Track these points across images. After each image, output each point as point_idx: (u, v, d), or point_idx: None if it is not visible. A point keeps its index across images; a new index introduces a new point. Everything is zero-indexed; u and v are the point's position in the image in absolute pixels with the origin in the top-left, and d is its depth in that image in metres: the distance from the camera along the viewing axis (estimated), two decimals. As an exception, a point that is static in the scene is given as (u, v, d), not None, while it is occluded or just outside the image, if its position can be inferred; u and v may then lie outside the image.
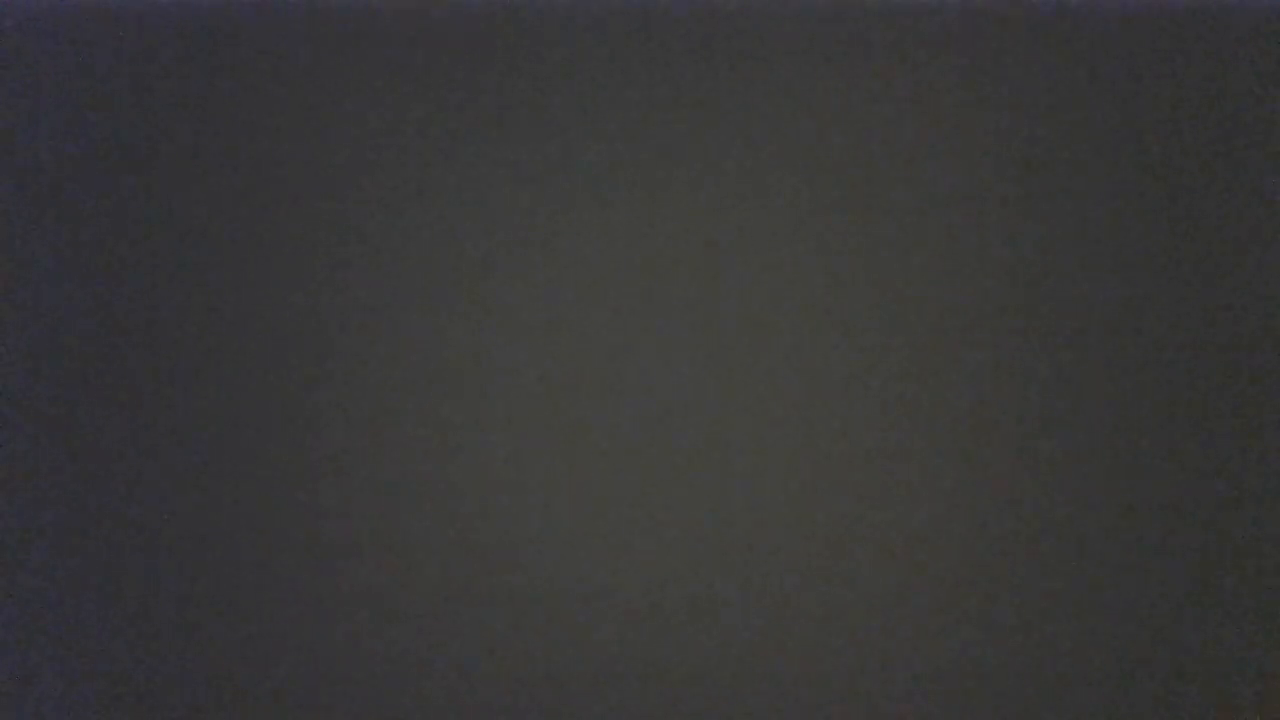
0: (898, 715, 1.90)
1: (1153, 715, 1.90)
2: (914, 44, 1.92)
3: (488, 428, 1.91)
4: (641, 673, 1.90)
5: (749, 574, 1.90)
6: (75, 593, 1.91)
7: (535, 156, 1.92)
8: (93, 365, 1.92)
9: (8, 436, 1.92)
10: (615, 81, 1.92)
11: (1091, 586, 1.90)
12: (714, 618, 1.90)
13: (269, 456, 1.91)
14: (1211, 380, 1.91)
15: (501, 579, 1.91)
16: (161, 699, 1.92)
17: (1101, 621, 1.90)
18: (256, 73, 1.93)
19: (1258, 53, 1.91)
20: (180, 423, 1.91)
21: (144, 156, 1.93)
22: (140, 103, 1.93)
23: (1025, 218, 1.92)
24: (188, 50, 1.92)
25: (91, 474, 1.91)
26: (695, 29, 1.92)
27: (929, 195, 1.91)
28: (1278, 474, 1.90)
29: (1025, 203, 1.92)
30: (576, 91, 1.92)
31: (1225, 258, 1.91)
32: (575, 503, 1.91)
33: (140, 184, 1.93)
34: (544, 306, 1.92)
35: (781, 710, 1.90)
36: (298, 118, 1.93)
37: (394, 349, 1.91)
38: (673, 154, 1.92)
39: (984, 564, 1.90)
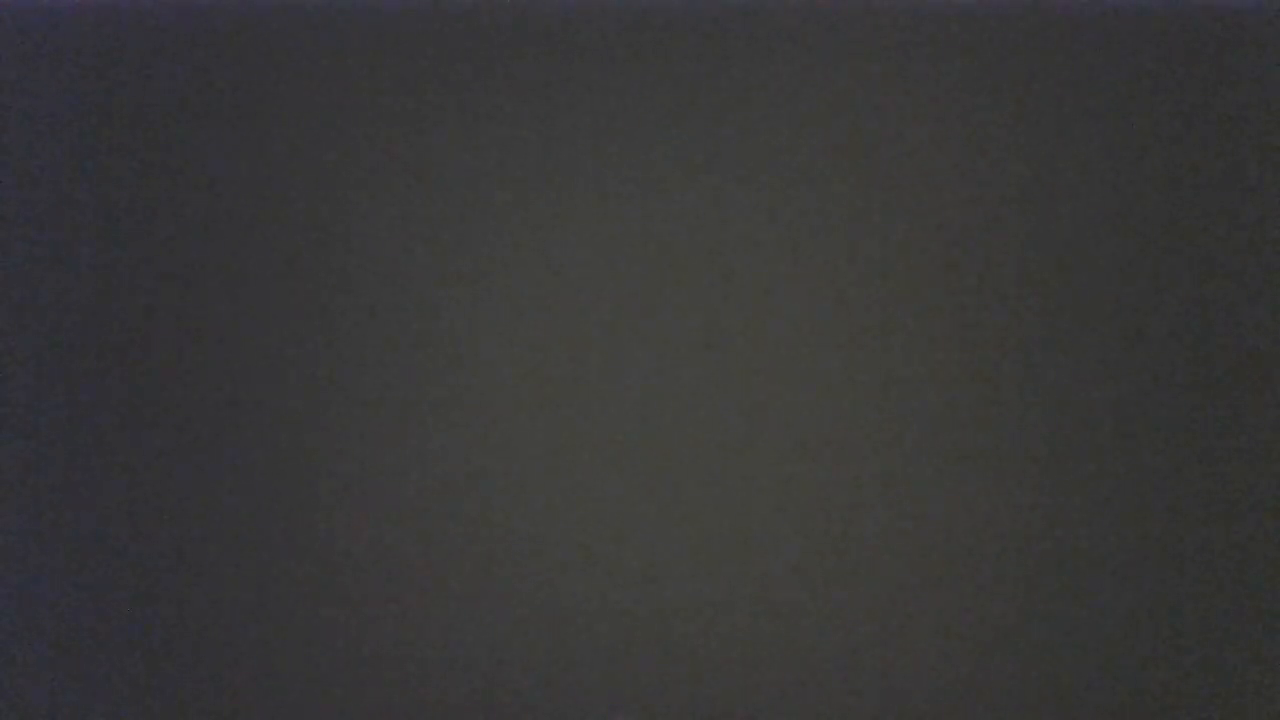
0: (898, 715, 1.90)
1: (1153, 715, 1.90)
2: (914, 44, 1.92)
3: (487, 427, 1.91)
4: (641, 672, 1.90)
5: (748, 574, 1.90)
6: (75, 593, 1.91)
7: (535, 156, 1.92)
8: (93, 365, 1.92)
9: (8, 436, 1.92)
10: (615, 81, 1.92)
11: (1092, 587, 1.90)
12: (714, 618, 1.90)
13: (269, 457, 1.91)
14: (1211, 380, 1.91)
15: (501, 579, 1.91)
16: (162, 699, 1.92)
17: (1102, 622, 1.90)
18: (256, 73, 1.93)
19: (1258, 53, 1.91)
20: (180, 423, 1.91)
21: (144, 156, 1.93)
22: (140, 103, 1.93)
23: (1025, 218, 1.92)
24: (188, 50, 1.92)
25: (92, 474, 1.91)
26: (695, 29, 1.92)
27: (929, 195, 1.92)
28: (1278, 474, 1.90)
29: (1025, 203, 1.92)
30: (577, 91, 1.92)
31: (1225, 258, 1.91)
32: (575, 502, 1.91)
33: (140, 184, 1.93)
34: (544, 306, 1.92)
35: (782, 710, 1.90)
36: (298, 118, 1.93)
37: (394, 349, 1.91)
38: (673, 154, 1.92)
39: (984, 564, 1.90)
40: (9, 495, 1.92)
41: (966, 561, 1.90)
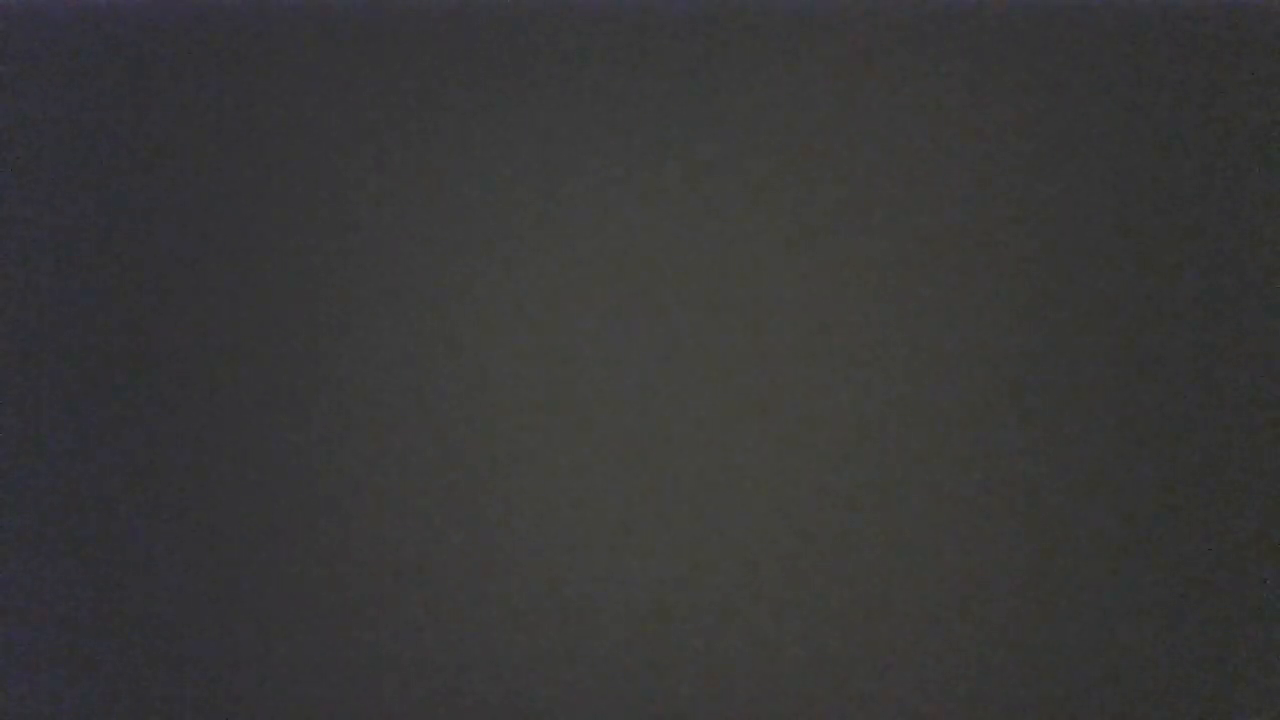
0: (897, 715, 1.90)
1: (1153, 715, 1.90)
2: (914, 44, 1.92)
3: (487, 428, 1.91)
4: (640, 673, 1.90)
5: (748, 574, 1.90)
6: (75, 593, 1.92)
7: (535, 156, 1.92)
8: (93, 365, 1.92)
9: (8, 436, 1.92)
10: (615, 81, 1.92)
11: (1091, 587, 1.90)
12: (714, 618, 1.90)
13: (269, 457, 1.91)
14: (1212, 380, 1.91)
15: (501, 580, 1.91)
16: (162, 699, 1.92)
17: (1101, 622, 1.90)
18: (256, 73, 1.93)
19: (1258, 53, 1.91)
20: (180, 423, 1.91)
21: (144, 156, 1.93)
22: (140, 103, 1.93)
23: (1025, 218, 1.92)
24: (188, 50, 1.92)
25: (92, 474, 1.91)
26: (695, 29, 1.92)
27: (929, 196, 1.92)
28: (1278, 474, 1.90)
29: (1025, 203, 1.92)
30: (576, 91, 1.92)
31: (1225, 258, 1.91)
32: (576, 502, 1.91)
33: (140, 184, 1.93)
34: (544, 306, 1.92)
35: (782, 710, 1.90)
36: (298, 118, 1.93)
37: (394, 349, 1.91)
38: (673, 154, 1.92)
39: (984, 565, 1.90)
40: (9, 495, 1.92)
41: (966, 561, 1.90)
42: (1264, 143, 1.91)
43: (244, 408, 1.91)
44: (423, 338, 1.92)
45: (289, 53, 1.92)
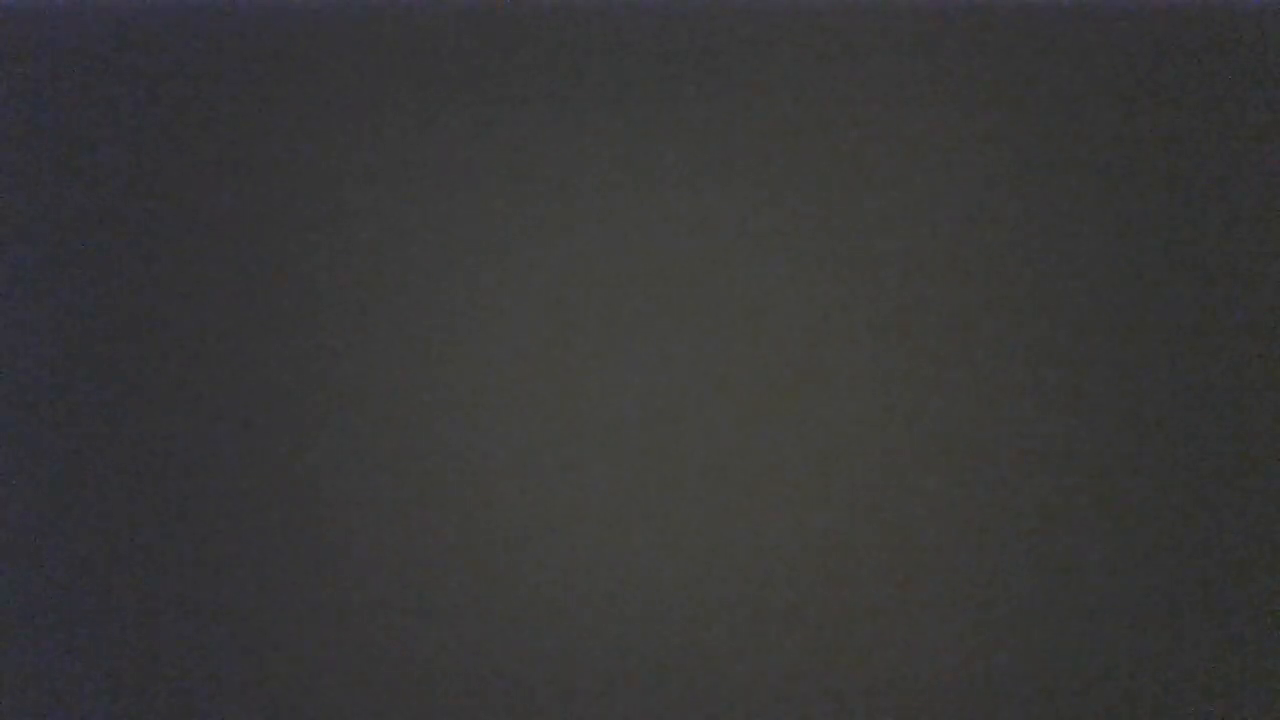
0: (897, 716, 1.90)
1: (1153, 715, 1.90)
2: (914, 44, 1.92)
3: (488, 427, 1.91)
4: (641, 674, 1.90)
5: (748, 575, 1.90)
6: (75, 593, 1.92)
7: (535, 156, 1.92)
8: (94, 365, 1.92)
9: (8, 437, 1.92)
10: (615, 81, 1.92)
11: (1091, 587, 1.90)
12: (713, 619, 1.90)
13: (269, 457, 1.91)
14: (1212, 380, 1.91)
15: (500, 580, 1.91)
16: (162, 699, 1.92)
17: (1101, 622, 1.90)
18: (256, 73, 1.93)
19: (1258, 53, 1.91)
20: (180, 422, 1.91)
21: (144, 156, 1.93)
22: (140, 103, 1.93)
23: (1025, 218, 1.92)
24: (188, 50, 1.92)
25: (92, 474, 1.92)
26: (695, 29, 1.92)
27: (928, 195, 1.92)
28: (1278, 474, 1.90)
29: (1025, 203, 1.92)
30: (578, 90, 1.92)
31: (1225, 258, 1.91)
32: (575, 503, 1.91)
33: (140, 184, 1.93)
34: (544, 306, 1.92)
35: (781, 710, 1.90)
36: (298, 118, 1.93)
37: (394, 348, 1.92)
38: (673, 154, 1.92)
39: (984, 565, 1.90)
40: (9, 495, 1.92)
41: (966, 562, 1.90)
42: (1264, 143, 1.91)
43: (244, 408, 1.91)
44: (423, 338, 1.92)
45: (289, 52, 1.93)
